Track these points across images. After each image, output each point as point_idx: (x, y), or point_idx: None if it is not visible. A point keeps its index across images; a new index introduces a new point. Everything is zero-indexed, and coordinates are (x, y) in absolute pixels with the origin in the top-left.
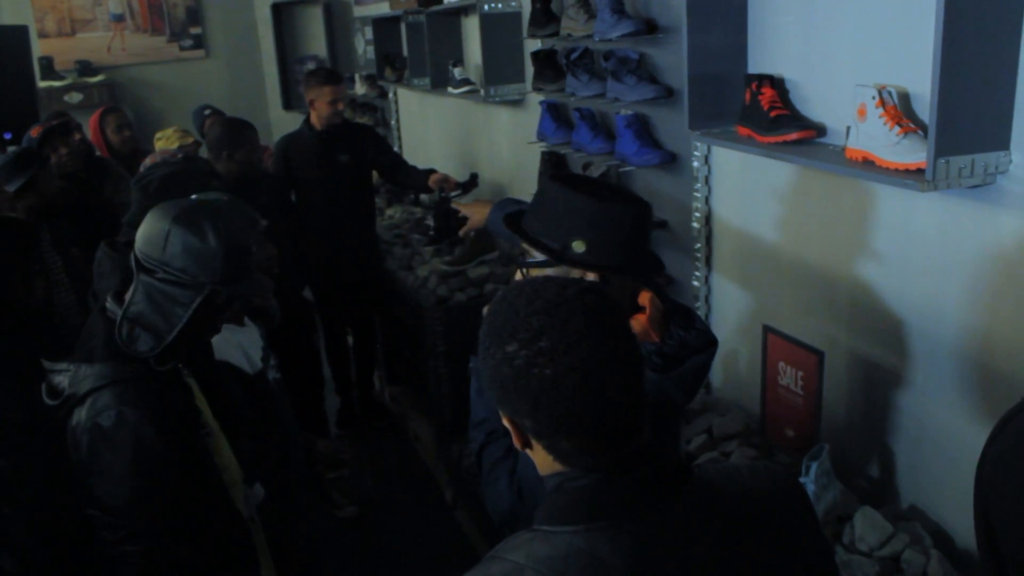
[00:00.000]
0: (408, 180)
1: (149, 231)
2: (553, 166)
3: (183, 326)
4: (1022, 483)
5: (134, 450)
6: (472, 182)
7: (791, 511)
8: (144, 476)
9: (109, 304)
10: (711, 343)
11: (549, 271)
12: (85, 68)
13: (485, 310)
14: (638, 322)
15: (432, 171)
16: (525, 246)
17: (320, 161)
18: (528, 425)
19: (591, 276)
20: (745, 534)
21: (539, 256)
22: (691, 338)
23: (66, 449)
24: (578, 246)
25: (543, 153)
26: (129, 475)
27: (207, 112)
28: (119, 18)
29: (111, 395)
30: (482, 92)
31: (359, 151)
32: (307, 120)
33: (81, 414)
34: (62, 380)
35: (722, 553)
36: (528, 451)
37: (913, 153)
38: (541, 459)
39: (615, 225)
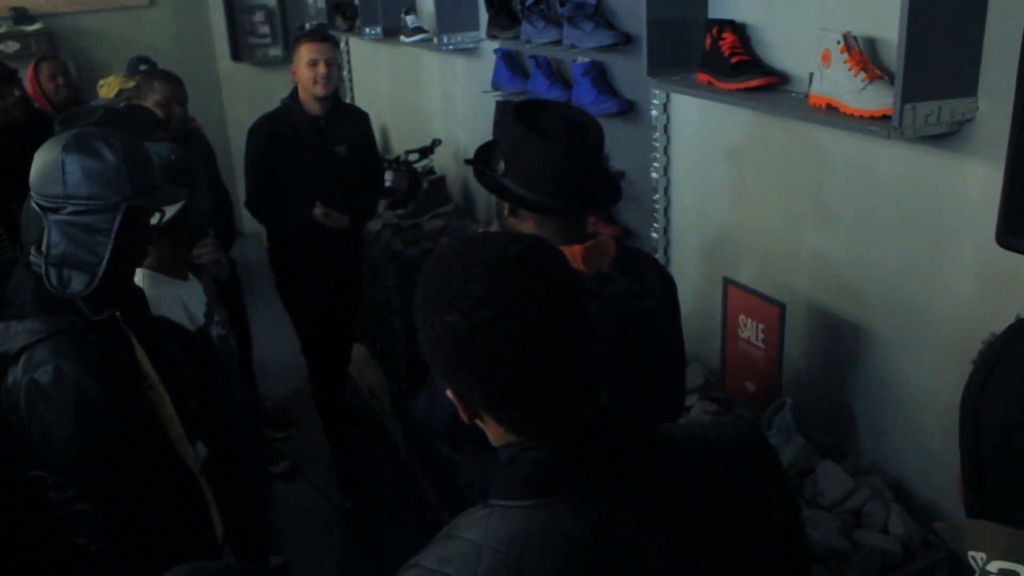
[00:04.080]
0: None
1: (43, 168)
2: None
3: (111, 254)
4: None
5: (76, 404)
6: (432, 148)
7: (757, 468)
8: (89, 431)
9: (33, 257)
10: (641, 293)
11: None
12: (21, 16)
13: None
14: (571, 251)
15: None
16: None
17: (312, 152)
18: (475, 397)
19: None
20: (711, 495)
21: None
22: (622, 283)
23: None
24: (500, 166)
25: (498, 102)
26: (73, 431)
27: (142, 67)
28: None
29: (46, 349)
30: (435, 40)
31: (356, 141)
32: (294, 95)
33: (16, 372)
34: None
35: (688, 517)
36: (478, 421)
37: (878, 100)
38: (492, 430)
39: (536, 156)
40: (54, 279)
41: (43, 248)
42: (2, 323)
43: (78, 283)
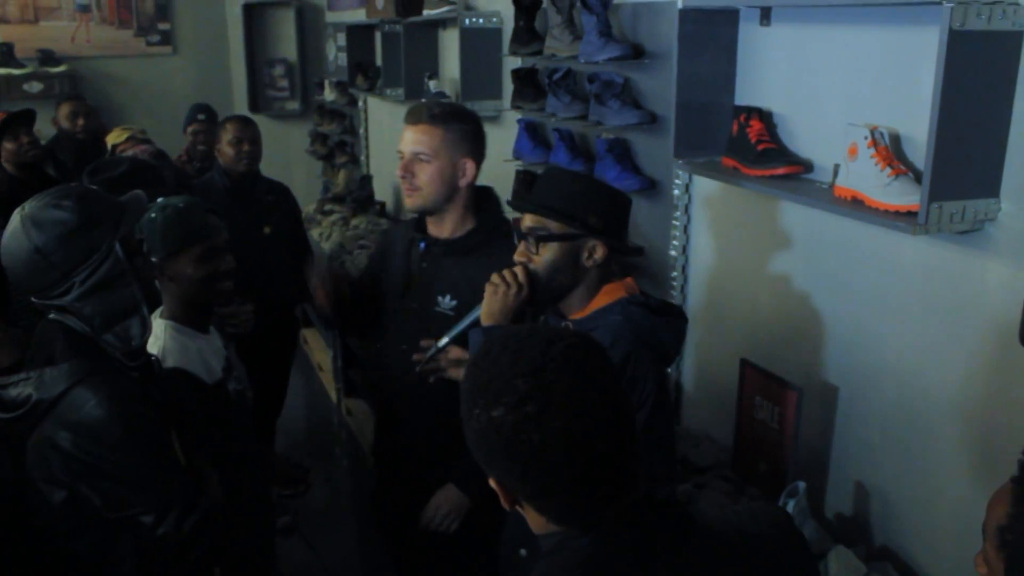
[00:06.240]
0: None
1: (26, 270)
2: (528, 185)
3: (140, 285)
4: None
5: (126, 428)
6: None
7: (792, 558)
8: (146, 444)
9: (55, 316)
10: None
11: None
12: (47, 57)
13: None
14: (630, 280)
15: None
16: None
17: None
18: (518, 488)
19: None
20: None
21: None
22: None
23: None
24: (592, 220)
25: (518, 171)
26: (132, 449)
27: (200, 117)
28: (85, 8)
29: (89, 389)
30: None
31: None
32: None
33: (57, 414)
34: (22, 390)
35: None
36: (519, 508)
37: (904, 195)
38: (534, 519)
39: (554, 179)
40: (116, 341)
41: (86, 323)
42: (35, 371)
43: (136, 329)
